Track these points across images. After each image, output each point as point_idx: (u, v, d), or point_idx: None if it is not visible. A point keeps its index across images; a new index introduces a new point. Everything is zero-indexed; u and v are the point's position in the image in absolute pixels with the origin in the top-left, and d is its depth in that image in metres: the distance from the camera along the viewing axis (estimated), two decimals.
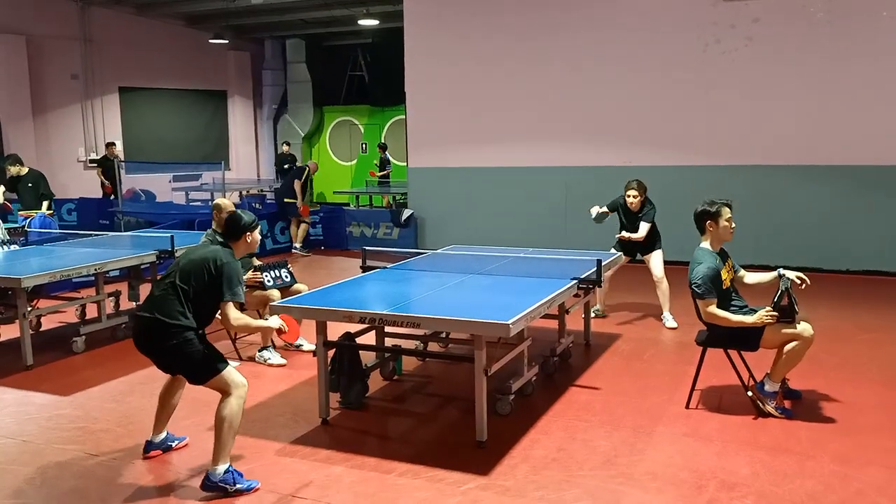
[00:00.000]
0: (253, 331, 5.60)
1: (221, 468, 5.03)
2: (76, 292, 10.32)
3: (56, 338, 9.10)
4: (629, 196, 9.13)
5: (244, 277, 7.93)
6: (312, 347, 7.96)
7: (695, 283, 6.13)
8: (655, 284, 9.27)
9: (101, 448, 5.85)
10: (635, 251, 9.35)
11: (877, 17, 11.56)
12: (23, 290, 7.75)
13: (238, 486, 5.04)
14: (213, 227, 8.16)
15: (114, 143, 18.50)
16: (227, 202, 8.38)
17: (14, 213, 12.60)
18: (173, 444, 5.77)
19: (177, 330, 5.06)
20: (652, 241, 9.25)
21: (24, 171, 12.52)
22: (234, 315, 5.18)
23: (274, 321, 5.45)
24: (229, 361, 5.22)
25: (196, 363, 5.11)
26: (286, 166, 20.35)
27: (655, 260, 9.23)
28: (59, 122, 18.99)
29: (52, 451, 5.85)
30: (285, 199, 15.43)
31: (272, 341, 8.03)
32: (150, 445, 5.69)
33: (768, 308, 6.02)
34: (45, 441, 6.04)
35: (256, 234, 5.52)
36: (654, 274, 9.23)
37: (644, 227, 9.10)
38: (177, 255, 9.01)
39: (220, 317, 5.22)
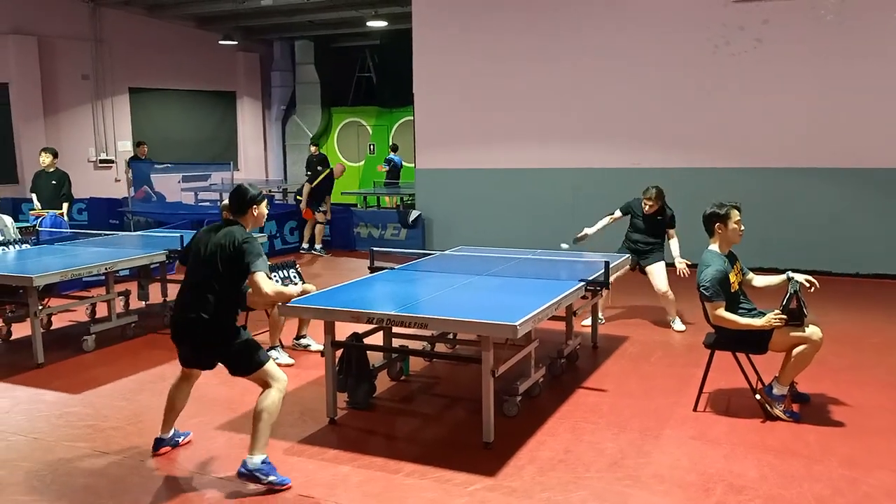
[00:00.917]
0: (286, 299, 5.46)
1: (258, 458, 5.05)
2: (86, 291, 10.37)
3: (66, 336, 9.14)
4: (645, 204, 9.02)
5: None
6: (320, 347, 7.98)
7: (703, 285, 6.12)
8: (660, 298, 9.21)
9: (112, 446, 5.88)
10: (639, 257, 9.21)
11: (888, 18, 11.53)
12: (34, 289, 7.79)
13: (272, 478, 5.06)
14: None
15: (143, 143, 18.61)
16: None
17: (25, 212, 12.62)
18: (180, 440, 5.81)
19: (222, 327, 5.15)
20: (655, 250, 9.15)
21: (52, 168, 12.53)
22: (267, 283, 5.13)
23: (295, 289, 5.53)
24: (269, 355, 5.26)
25: (242, 356, 5.18)
26: (308, 172, 19.95)
27: (659, 272, 9.09)
28: (70, 121, 19.06)
29: (62, 448, 5.88)
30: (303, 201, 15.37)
31: (280, 341, 8.06)
32: (159, 443, 5.70)
33: (777, 311, 6.01)
34: (56, 438, 6.08)
35: (263, 208, 5.45)
36: (658, 288, 9.09)
37: (675, 244, 9.04)
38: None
39: (250, 293, 5.20)
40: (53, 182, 12.51)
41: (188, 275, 5.39)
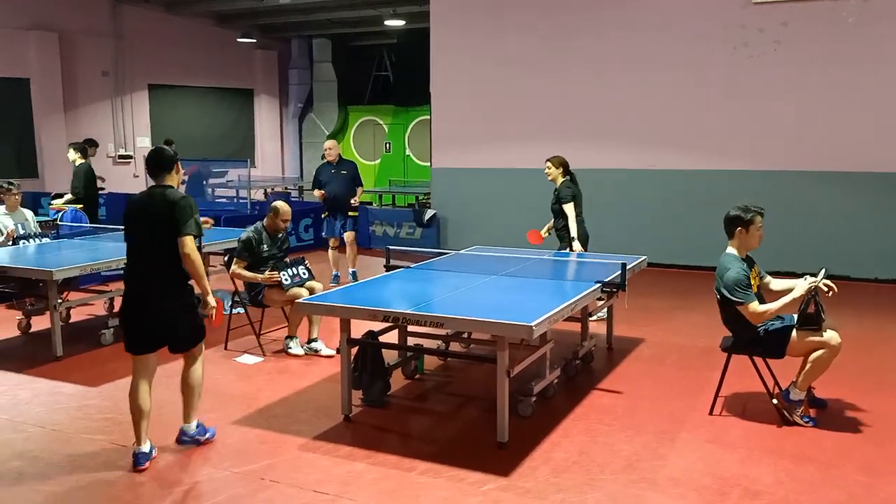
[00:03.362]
0: (198, 277, 5.42)
1: (195, 423, 5.72)
2: (105, 285, 10.44)
3: (85, 329, 9.20)
4: (546, 166, 9.45)
5: (263, 277, 7.98)
6: (331, 353, 7.98)
7: (728, 288, 6.05)
8: None
9: (129, 439, 5.81)
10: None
11: None
12: (54, 283, 7.87)
13: (207, 434, 5.77)
14: (264, 223, 8.19)
15: (171, 141, 18.69)
16: (284, 205, 8.26)
17: (45, 206, 12.62)
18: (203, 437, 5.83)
19: (174, 292, 5.43)
20: (565, 236, 9.23)
21: (79, 161, 12.52)
22: (193, 249, 5.32)
23: (211, 300, 5.62)
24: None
25: (188, 328, 5.51)
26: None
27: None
28: (90, 117, 19.16)
29: (80, 440, 5.95)
30: (350, 213, 12.00)
31: (297, 334, 8.13)
32: (142, 457, 5.40)
33: (812, 280, 5.98)
34: (74, 430, 6.14)
35: (180, 165, 5.69)
36: None
37: (567, 209, 9.16)
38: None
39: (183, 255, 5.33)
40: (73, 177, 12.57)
41: (134, 246, 5.49)
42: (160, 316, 5.37)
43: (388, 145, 24.18)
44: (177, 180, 5.62)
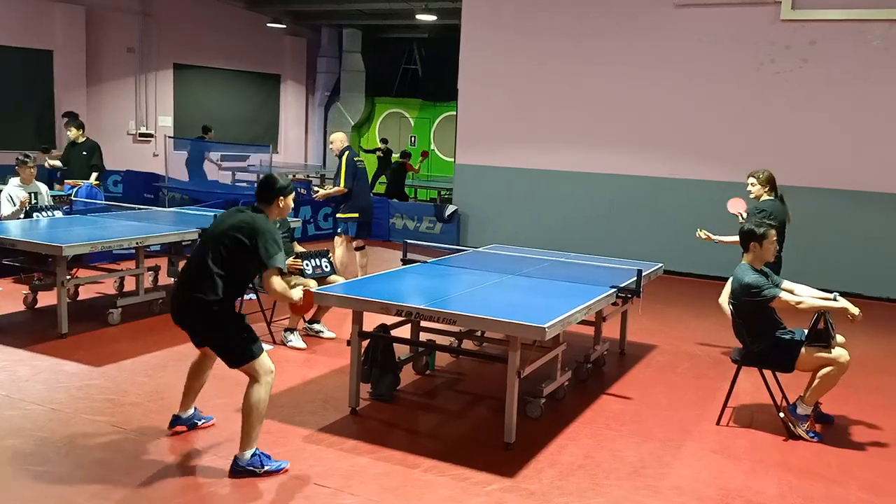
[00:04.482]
0: (286, 300, 5.40)
1: (249, 452, 5.08)
2: (115, 264, 10.44)
3: (92, 308, 9.15)
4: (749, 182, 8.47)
5: (287, 262, 8.02)
6: (332, 335, 8.04)
7: (752, 293, 6.07)
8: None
9: (130, 422, 5.89)
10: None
11: None
12: (63, 259, 7.76)
13: (267, 467, 5.08)
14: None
15: (210, 129, 18.76)
16: None
17: (60, 180, 12.72)
18: (199, 423, 5.78)
19: (217, 311, 5.06)
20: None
21: (83, 138, 12.68)
22: (278, 283, 5.14)
23: (297, 293, 5.46)
24: (263, 346, 5.22)
25: (234, 347, 5.10)
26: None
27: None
28: (112, 94, 19.14)
29: (80, 420, 5.90)
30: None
31: (297, 326, 8.14)
32: (176, 420, 5.69)
33: (846, 304, 6.04)
34: (74, 410, 6.08)
35: (290, 200, 5.40)
36: None
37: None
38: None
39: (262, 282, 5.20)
40: (84, 153, 12.62)
41: (196, 250, 5.34)
42: (200, 331, 5.28)
43: (413, 139, 24.23)
44: (276, 214, 5.36)
